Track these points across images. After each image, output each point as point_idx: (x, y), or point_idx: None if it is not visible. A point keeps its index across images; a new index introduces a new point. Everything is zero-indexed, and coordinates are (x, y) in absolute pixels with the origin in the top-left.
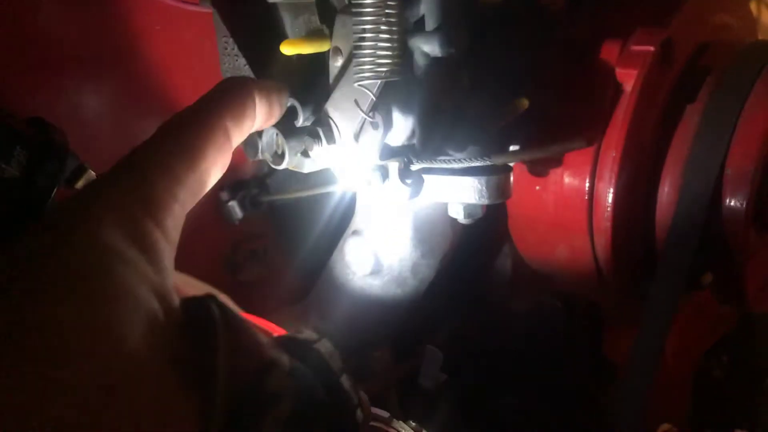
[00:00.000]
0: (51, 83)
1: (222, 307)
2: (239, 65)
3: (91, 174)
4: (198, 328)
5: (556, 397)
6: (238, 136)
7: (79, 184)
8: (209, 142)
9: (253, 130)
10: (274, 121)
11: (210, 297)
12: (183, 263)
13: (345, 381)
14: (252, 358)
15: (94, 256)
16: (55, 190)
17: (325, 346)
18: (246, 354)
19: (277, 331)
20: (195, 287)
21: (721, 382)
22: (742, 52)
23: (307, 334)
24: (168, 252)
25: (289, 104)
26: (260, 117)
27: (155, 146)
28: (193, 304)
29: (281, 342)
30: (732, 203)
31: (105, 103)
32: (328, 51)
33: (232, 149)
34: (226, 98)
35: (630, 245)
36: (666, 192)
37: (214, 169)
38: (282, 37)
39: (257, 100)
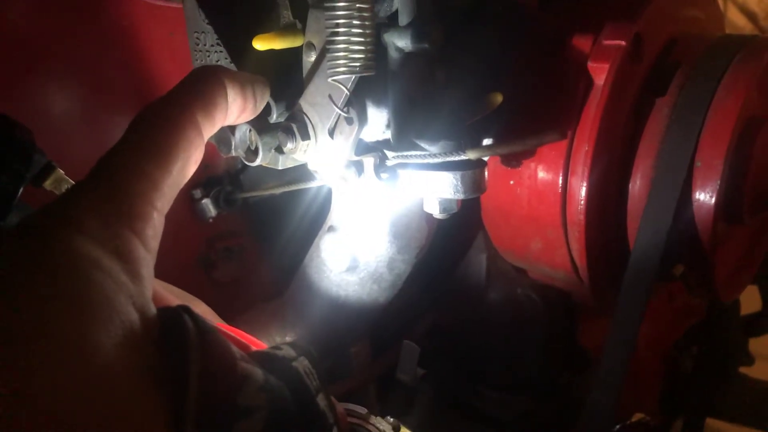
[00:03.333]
0: (17, 80)
1: (196, 319)
2: (211, 61)
3: (60, 173)
4: (172, 340)
5: (532, 387)
6: (210, 129)
7: (47, 182)
8: (181, 138)
9: (228, 123)
10: (250, 114)
11: (184, 308)
12: (158, 262)
13: (321, 400)
14: (225, 372)
15: (71, 264)
16: (21, 189)
17: (302, 364)
18: (219, 367)
19: (258, 345)
20: (172, 293)
21: (690, 372)
22: (711, 46)
23: (286, 350)
24: (147, 261)
25: None
26: (234, 109)
27: (128, 149)
28: (168, 315)
29: (258, 357)
30: (701, 195)
31: (74, 101)
32: (302, 46)
33: (204, 143)
34: (196, 89)
35: (603, 238)
36: (638, 185)
37: (188, 167)
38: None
39: (229, 89)
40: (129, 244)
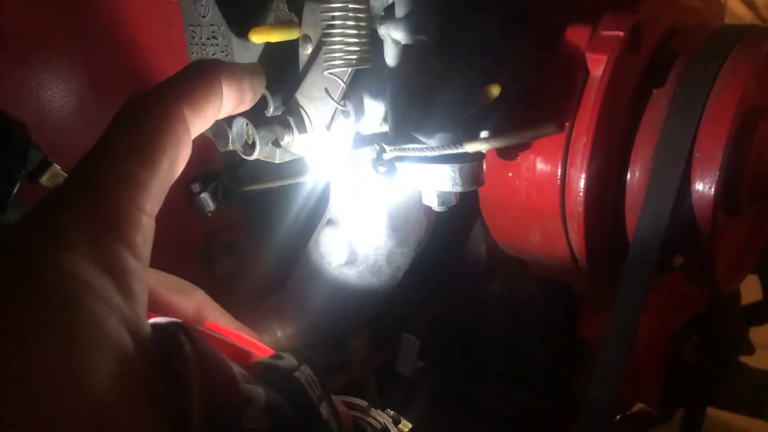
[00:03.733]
0: (12, 75)
1: (193, 340)
2: (207, 54)
3: (56, 168)
4: (170, 365)
5: (532, 379)
6: (200, 124)
7: (44, 178)
8: (168, 134)
9: (223, 116)
10: (248, 105)
11: (179, 327)
12: (157, 258)
13: (324, 409)
14: (227, 397)
15: (59, 286)
16: (18, 184)
17: (304, 373)
18: (221, 392)
19: (258, 346)
20: (170, 285)
21: (691, 362)
22: (710, 36)
23: (287, 359)
24: (139, 273)
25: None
26: (229, 102)
27: (111, 148)
28: (163, 336)
29: (258, 371)
30: (701, 186)
31: (70, 95)
32: (298, 39)
33: (192, 138)
34: (185, 82)
35: (602, 229)
36: (637, 176)
37: (177, 165)
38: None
39: (225, 84)
40: (119, 257)
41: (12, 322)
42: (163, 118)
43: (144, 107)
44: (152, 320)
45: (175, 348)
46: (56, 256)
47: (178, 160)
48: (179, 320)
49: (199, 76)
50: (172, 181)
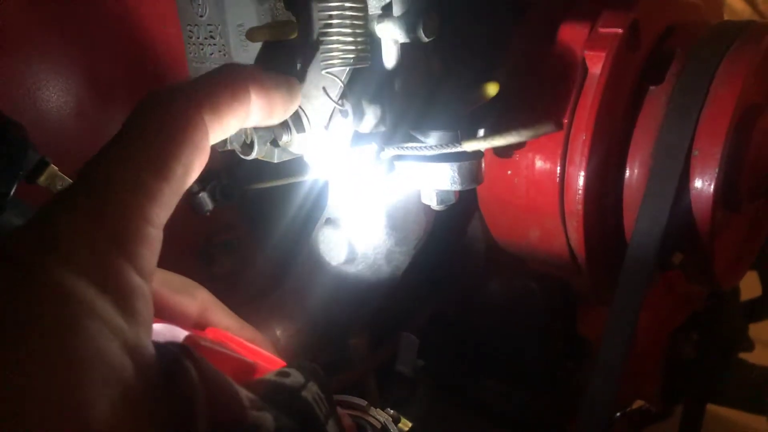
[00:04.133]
0: (8, 74)
1: (199, 363)
2: (205, 54)
3: (54, 169)
4: (175, 392)
5: (532, 377)
6: (220, 133)
7: (41, 179)
8: (184, 141)
9: (250, 125)
10: (275, 121)
11: (184, 350)
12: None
13: (331, 427)
14: (234, 424)
15: (58, 308)
16: (15, 186)
17: (311, 391)
18: (227, 419)
19: (263, 357)
20: (174, 285)
21: (691, 359)
22: (709, 32)
23: (294, 377)
24: (143, 291)
25: None
26: (256, 114)
27: (121, 151)
28: (168, 360)
29: (265, 391)
30: (700, 184)
31: (67, 95)
32: (296, 38)
33: (210, 146)
34: (210, 87)
35: (601, 227)
36: (635, 174)
37: (191, 173)
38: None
39: (253, 94)
40: (122, 275)
41: (5, 347)
42: (181, 122)
43: (162, 108)
44: (156, 341)
45: (180, 374)
46: (55, 272)
47: (193, 168)
48: (183, 342)
49: (227, 82)
50: (185, 189)
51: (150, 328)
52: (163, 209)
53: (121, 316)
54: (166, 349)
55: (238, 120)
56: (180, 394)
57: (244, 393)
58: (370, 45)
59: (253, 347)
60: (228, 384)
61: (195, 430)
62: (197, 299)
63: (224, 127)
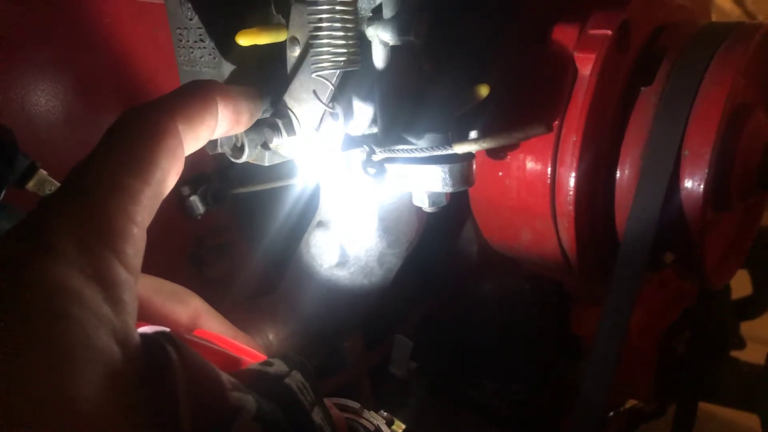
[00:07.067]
0: None
1: (180, 349)
2: (194, 57)
3: (43, 173)
4: (158, 376)
5: (525, 376)
6: (193, 141)
7: (30, 184)
8: (161, 147)
9: (218, 136)
10: (243, 128)
11: (166, 337)
12: (147, 262)
13: (316, 415)
14: (216, 406)
15: (47, 299)
16: (4, 191)
17: (295, 379)
18: (210, 402)
19: (249, 352)
20: (165, 292)
21: (683, 357)
22: (698, 33)
23: (278, 365)
24: (129, 284)
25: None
26: (224, 123)
27: (104, 158)
28: (151, 346)
29: (248, 378)
30: (690, 184)
31: (57, 100)
32: (286, 41)
33: (185, 155)
34: (182, 99)
35: (592, 228)
36: (626, 174)
37: (169, 178)
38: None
39: (220, 104)
40: (109, 268)
41: (5, 330)
42: (157, 130)
43: (139, 119)
44: (141, 329)
45: (162, 358)
46: (45, 266)
47: (170, 173)
48: (167, 330)
49: (195, 94)
50: (165, 194)
51: (135, 319)
52: (145, 210)
53: (107, 304)
54: (150, 337)
55: (208, 128)
56: (162, 377)
57: (225, 377)
58: (360, 47)
59: (240, 345)
60: (209, 368)
61: (177, 413)
62: (189, 306)
63: (196, 135)
